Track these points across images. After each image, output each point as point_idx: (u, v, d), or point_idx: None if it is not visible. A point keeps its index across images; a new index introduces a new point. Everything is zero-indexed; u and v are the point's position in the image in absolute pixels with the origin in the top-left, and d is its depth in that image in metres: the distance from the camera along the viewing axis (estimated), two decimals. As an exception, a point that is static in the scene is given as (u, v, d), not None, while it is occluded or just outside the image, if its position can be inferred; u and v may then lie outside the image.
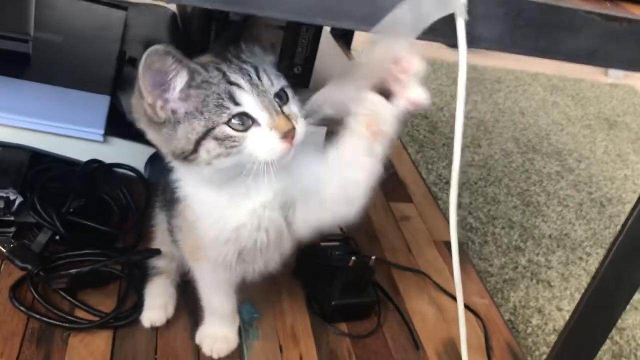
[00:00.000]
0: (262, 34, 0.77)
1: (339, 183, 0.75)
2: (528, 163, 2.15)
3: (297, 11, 0.58)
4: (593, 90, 2.85)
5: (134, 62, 1.36)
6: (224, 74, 0.70)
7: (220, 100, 0.69)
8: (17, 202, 1.00)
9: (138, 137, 1.02)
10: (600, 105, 2.74)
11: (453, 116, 2.52)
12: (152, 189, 1.11)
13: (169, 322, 0.95)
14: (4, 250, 0.97)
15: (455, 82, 2.30)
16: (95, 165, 1.12)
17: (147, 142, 1.05)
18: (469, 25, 0.60)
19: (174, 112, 0.69)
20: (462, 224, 1.71)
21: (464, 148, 2.13)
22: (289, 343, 0.98)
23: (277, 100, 0.72)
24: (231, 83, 0.70)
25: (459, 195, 1.86)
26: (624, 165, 2.28)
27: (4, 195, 0.99)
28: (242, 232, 0.78)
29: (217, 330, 0.93)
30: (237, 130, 0.69)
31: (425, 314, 1.09)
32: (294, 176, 0.76)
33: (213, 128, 0.68)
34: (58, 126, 1.08)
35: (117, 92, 1.21)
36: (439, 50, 2.79)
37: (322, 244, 1.06)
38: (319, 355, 0.96)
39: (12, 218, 1.00)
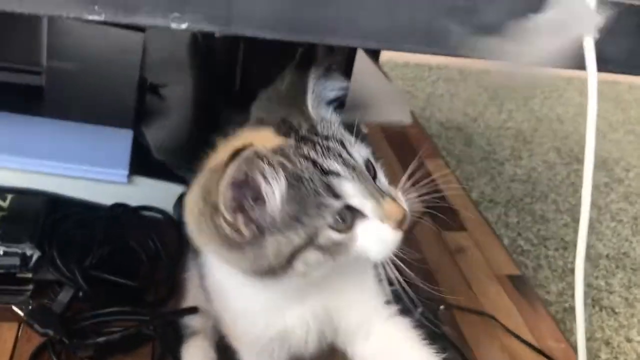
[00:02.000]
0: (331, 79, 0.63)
1: None
2: (574, 175, 2.01)
3: (379, 36, 0.46)
4: (632, 93, 2.72)
5: (155, 90, 1.25)
6: (315, 163, 0.55)
7: (320, 198, 0.54)
8: (34, 258, 0.89)
9: (165, 174, 0.91)
10: (645, 110, 2.60)
11: (488, 127, 2.39)
12: (184, 232, 1.00)
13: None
14: (22, 313, 0.86)
15: (486, 90, 2.16)
16: (119, 209, 1.00)
17: (176, 179, 0.94)
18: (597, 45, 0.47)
19: (259, 225, 0.55)
20: (512, 246, 1.58)
21: (504, 162, 2.01)
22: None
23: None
24: (327, 172, 0.55)
25: (505, 215, 1.73)
26: (675, 172, 2.15)
27: (20, 251, 0.88)
28: (290, 335, 0.66)
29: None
30: (342, 232, 0.55)
31: (500, 364, 0.97)
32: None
33: (315, 236, 0.55)
34: (77, 168, 0.97)
35: (139, 124, 1.10)
36: (466, 58, 2.63)
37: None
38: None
39: (30, 275, 0.90)
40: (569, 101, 2.55)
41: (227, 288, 0.65)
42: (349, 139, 0.59)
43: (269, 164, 0.53)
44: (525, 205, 1.81)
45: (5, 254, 0.87)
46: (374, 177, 0.59)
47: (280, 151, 0.55)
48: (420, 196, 0.61)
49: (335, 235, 0.55)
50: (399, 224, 0.56)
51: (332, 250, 0.55)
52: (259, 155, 0.52)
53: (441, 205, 1.34)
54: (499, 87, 2.26)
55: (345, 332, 0.67)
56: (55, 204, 0.98)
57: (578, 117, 2.42)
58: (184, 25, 0.46)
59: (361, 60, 1.55)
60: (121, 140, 1.04)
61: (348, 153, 0.57)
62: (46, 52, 1.13)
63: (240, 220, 0.54)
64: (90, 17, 0.44)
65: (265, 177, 0.53)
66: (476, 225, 1.30)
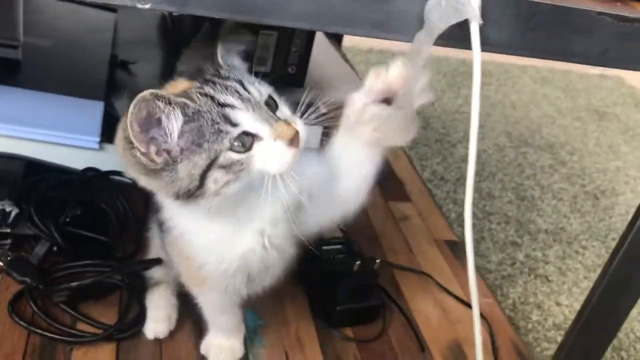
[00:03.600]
0: (240, 37, 0.74)
1: (348, 177, 0.75)
2: (521, 157, 2.15)
3: (310, 19, 0.57)
4: (582, 82, 2.86)
5: (125, 66, 1.34)
6: (212, 98, 0.66)
7: (217, 126, 0.65)
8: (13, 214, 0.98)
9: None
10: (590, 96, 2.75)
11: (444, 111, 2.51)
12: (150, 196, 1.09)
13: (172, 333, 0.94)
14: (1, 264, 0.95)
15: (445, 75, 2.30)
16: (91, 173, 1.09)
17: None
18: (481, 29, 0.59)
19: (170, 153, 0.65)
20: (458, 220, 1.70)
21: (457, 143, 2.13)
22: (295, 350, 0.96)
23: (268, 108, 0.69)
24: (223, 105, 0.66)
25: (454, 192, 1.85)
26: (615, 157, 2.29)
27: (0, 207, 0.96)
28: (251, 257, 0.76)
29: (223, 341, 0.92)
30: (241, 152, 0.66)
31: (430, 316, 1.08)
32: (299, 178, 0.75)
33: (216, 158, 0.65)
34: (53, 135, 1.05)
35: (110, 97, 1.19)
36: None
37: (324, 247, 1.05)
38: (326, 361, 0.96)
39: (9, 230, 0.98)
40: (522, 88, 2.68)
41: (193, 235, 0.75)
42: (249, 79, 0.70)
43: (167, 102, 0.63)
44: (474, 183, 1.93)
45: (-14, 209, 0.96)
46: (276, 108, 0.69)
47: (183, 93, 0.67)
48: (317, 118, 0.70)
49: (234, 156, 0.65)
50: (291, 142, 0.66)
51: (235, 168, 0.65)
52: (156, 96, 0.62)
53: (388, 177, 1.46)
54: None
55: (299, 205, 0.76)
56: (33, 167, 1.07)
57: (530, 103, 2.56)
58: (147, 5, 0.56)
59: (323, 46, 1.65)
60: (93, 110, 1.12)
61: (245, 89, 0.68)
62: (23, 29, 1.21)
63: (152, 150, 0.64)
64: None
65: (165, 114, 0.63)
66: (421, 197, 1.42)
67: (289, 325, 1.00)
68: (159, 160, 0.65)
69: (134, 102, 0.61)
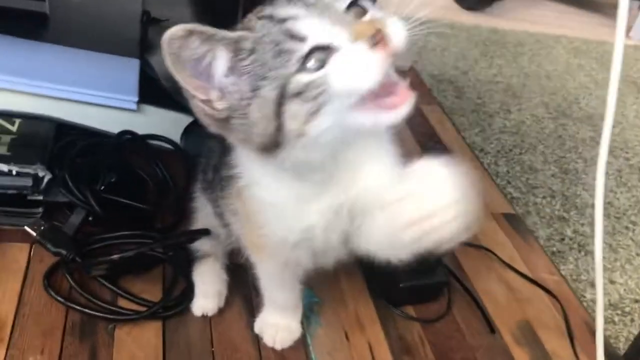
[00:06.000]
0: None
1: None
2: (561, 129, 2.05)
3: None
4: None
5: (158, 23, 1.24)
6: (271, 17, 0.55)
7: (279, 47, 0.53)
8: (46, 179, 0.89)
9: (174, 104, 0.91)
10: (626, 67, 2.63)
11: (479, 80, 2.40)
12: (190, 161, 1.00)
13: (222, 310, 0.86)
14: (34, 234, 0.87)
15: (477, 45, 2.17)
16: (128, 137, 1.00)
17: (184, 110, 0.94)
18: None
19: (234, 95, 0.55)
20: (502, 193, 1.61)
21: (494, 114, 2.03)
22: (355, 330, 0.88)
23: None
24: (283, 20, 0.54)
25: (495, 164, 1.75)
26: (656, 129, 2.19)
27: (32, 172, 0.88)
28: (315, 232, 0.66)
29: (279, 320, 0.83)
30: (311, 72, 0.53)
31: (495, 294, 1.00)
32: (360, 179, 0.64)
33: (285, 85, 0.53)
34: (86, 94, 0.96)
35: (145, 55, 1.09)
36: (457, 13, 2.66)
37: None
38: (389, 342, 0.87)
39: (41, 197, 0.90)
40: (556, 58, 2.57)
41: (260, 191, 0.65)
42: None
43: (202, 37, 0.53)
44: (515, 155, 1.84)
45: (18, 174, 0.87)
46: (363, 14, 0.55)
47: (242, 25, 0.56)
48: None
49: (305, 78, 0.52)
50: (376, 43, 0.51)
51: (311, 94, 0.52)
52: (187, 31, 0.52)
53: (438, 148, 1.38)
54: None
55: (363, 211, 0.65)
56: (64, 130, 0.98)
57: (565, 74, 2.45)
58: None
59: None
60: (129, 68, 1.03)
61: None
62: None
63: (214, 96, 0.55)
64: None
65: (209, 52, 0.54)
66: (472, 169, 1.32)
67: (347, 303, 0.92)
68: (221, 106, 0.56)
69: (164, 40, 0.52)
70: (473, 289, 0.99)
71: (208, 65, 0.55)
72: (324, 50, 0.53)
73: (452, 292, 0.97)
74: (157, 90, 1.01)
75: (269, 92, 0.54)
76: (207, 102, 0.55)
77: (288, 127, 0.54)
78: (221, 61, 0.55)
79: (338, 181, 0.63)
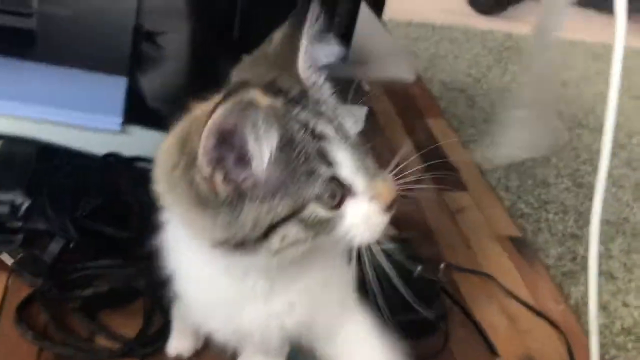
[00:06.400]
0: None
1: None
2: (576, 139, 1.98)
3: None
4: (636, 59, 2.67)
5: (152, 38, 1.21)
6: (306, 126, 0.50)
7: (311, 165, 0.49)
8: (24, 206, 0.86)
9: (161, 124, 0.87)
10: (645, 74, 2.56)
11: (491, 89, 2.35)
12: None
13: (202, 349, 0.81)
14: (11, 262, 0.84)
15: (491, 51, 2.09)
16: (112, 159, 0.97)
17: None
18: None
19: (241, 186, 0.49)
20: (512, 209, 1.56)
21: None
22: (345, 365, 0.84)
23: None
24: (319, 137, 0.50)
25: (506, 178, 1.71)
26: (677, 140, 2.12)
27: (10, 199, 0.85)
28: (246, 336, 0.64)
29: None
30: (330, 209, 0.50)
31: (497, 325, 0.95)
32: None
33: (302, 208, 0.49)
34: (69, 115, 0.93)
35: (135, 72, 1.06)
36: (471, 17, 2.59)
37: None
38: (380, 380, 0.83)
39: (20, 224, 0.87)
40: (574, 65, 2.50)
41: (188, 265, 0.61)
42: (342, 111, 0.54)
43: (265, 116, 0.47)
44: (527, 168, 1.78)
45: (-6, 201, 0.84)
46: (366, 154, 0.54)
47: (272, 109, 0.50)
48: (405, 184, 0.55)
49: (322, 212, 0.50)
50: (389, 207, 0.52)
51: (316, 227, 0.50)
52: (254, 104, 0.46)
53: (442, 165, 1.33)
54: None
55: (309, 331, 0.65)
56: (47, 152, 0.95)
57: (582, 81, 2.38)
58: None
59: (365, 17, 1.51)
60: (115, 87, 1.00)
61: (340, 121, 0.52)
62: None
63: (218, 177, 0.49)
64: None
65: (256, 131, 0.47)
66: (477, 186, 1.28)
67: (337, 336, 0.87)
68: (223, 192, 0.49)
69: (228, 104, 0.45)
70: (473, 319, 0.94)
71: (246, 145, 0.48)
72: (340, 186, 0.51)
73: (450, 326, 0.92)
74: (145, 109, 0.98)
75: (281, 206, 0.49)
76: (208, 179, 0.49)
77: (271, 243, 0.50)
78: (266, 145, 0.48)
79: (284, 284, 0.59)
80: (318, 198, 0.50)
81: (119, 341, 0.78)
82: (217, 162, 0.48)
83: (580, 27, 2.95)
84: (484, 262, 1.07)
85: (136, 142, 0.98)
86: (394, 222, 0.92)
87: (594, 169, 1.90)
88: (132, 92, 1.01)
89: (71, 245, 0.87)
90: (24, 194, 0.86)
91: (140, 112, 0.95)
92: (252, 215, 0.49)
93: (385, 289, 0.87)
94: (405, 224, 0.93)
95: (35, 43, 1.04)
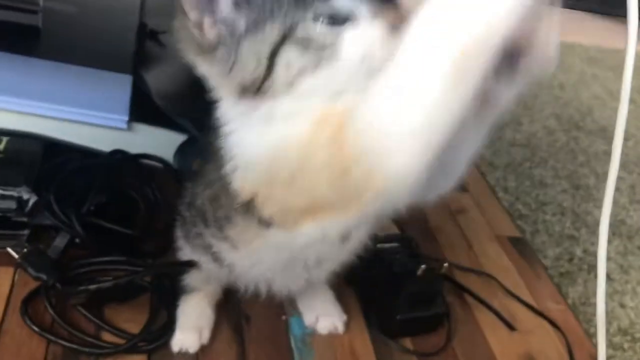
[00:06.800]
0: None
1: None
2: (573, 142, 2.00)
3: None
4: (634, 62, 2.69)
5: (155, 36, 1.21)
6: None
7: None
8: (31, 202, 0.86)
9: (166, 122, 0.88)
10: (642, 77, 2.57)
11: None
12: (184, 182, 0.97)
13: (210, 341, 0.82)
14: (17, 256, 0.84)
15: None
16: (118, 156, 0.97)
17: (177, 127, 0.91)
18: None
19: (229, 27, 0.52)
20: (510, 210, 1.57)
21: (504, 127, 1.98)
22: (348, 362, 0.85)
23: None
24: None
25: (504, 179, 1.71)
26: (673, 143, 2.13)
27: (16, 194, 0.85)
28: None
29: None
30: (325, 26, 0.50)
31: (497, 325, 0.96)
32: None
33: (294, 28, 0.50)
34: (75, 112, 0.93)
35: (139, 70, 1.06)
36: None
37: (379, 245, 0.92)
38: (384, 377, 0.84)
39: (26, 219, 0.87)
40: (571, 68, 2.52)
41: (244, 133, 0.58)
42: None
43: None
44: (525, 170, 1.80)
45: (2, 197, 0.85)
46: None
47: None
48: None
49: (315, 31, 0.50)
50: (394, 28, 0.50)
51: (315, 49, 0.50)
52: None
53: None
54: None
55: None
56: (53, 149, 0.95)
57: (579, 84, 2.40)
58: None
59: None
60: (120, 85, 1.00)
61: None
62: (43, -8, 1.09)
63: (207, 20, 0.52)
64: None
65: None
66: (477, 187, 1.29)
67: (341, 334, 0.88)
68: (211, 34, 0.52)
69: None
70: (473, 319, 0.95)
71: None
72: (341, 14, 0.51)
73: (452, 323, 0.93)
74: (150, 107, 0.98)
75: (271, 30, 0.51)
76: (198, 24, 0.52)
77: (278, 74, 0.52)
78: None
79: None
80: (311, 19, 0.50)
81: (124, 336, 0.79)
82: (202, 8, 0.51)
83: (577, 30, 2.97)
84: (484, 261, 1.08)
85: (142, 139, 0.99)
86: (396, 221, 0.94)
87: (592, 171, 1.92)
88: (137, 91, 1.01)
89: (77, 241, 0.87)
90: (30, 190, 0.86)
91: (145, 110, 0.96)
92: (251, 51, 0.51)
93: (389, 285, 0.88)
94: (406, 223, 0.94)
95: (41, 40, 1.04)
